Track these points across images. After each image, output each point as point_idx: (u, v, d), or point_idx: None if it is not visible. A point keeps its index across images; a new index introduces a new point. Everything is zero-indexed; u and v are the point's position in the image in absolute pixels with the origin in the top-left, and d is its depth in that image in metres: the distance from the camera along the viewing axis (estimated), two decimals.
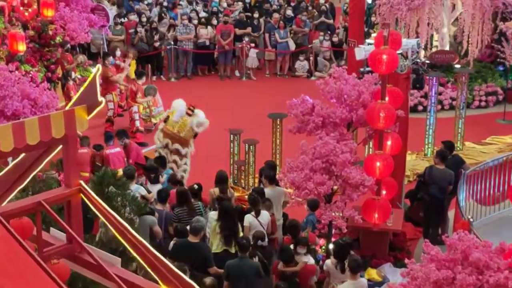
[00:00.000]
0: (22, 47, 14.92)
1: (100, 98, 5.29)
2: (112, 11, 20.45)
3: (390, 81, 10.12)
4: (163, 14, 21.21)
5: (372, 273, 9.54)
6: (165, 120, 12.26)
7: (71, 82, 15.50)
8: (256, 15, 20.93)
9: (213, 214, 9.90)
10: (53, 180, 10.15)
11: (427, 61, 17.69)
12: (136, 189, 10.26)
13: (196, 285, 4.82)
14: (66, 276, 4.82)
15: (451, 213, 11.29)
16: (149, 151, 13.57)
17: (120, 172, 10.64)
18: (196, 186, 10.66)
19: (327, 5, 21.77)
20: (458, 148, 14.47)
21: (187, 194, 10.30)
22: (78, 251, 5.05)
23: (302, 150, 9.63)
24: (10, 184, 5.26)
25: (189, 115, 12.06)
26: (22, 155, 5.20)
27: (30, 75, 14.47)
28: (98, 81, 5.33)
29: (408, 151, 12.83)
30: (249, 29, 20.51)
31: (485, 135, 15.80)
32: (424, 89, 16.74)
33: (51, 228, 5.41)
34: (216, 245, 9.67)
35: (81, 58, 17.29)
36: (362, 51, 10.40)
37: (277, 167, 12.36)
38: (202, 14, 21.41)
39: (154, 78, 19.60)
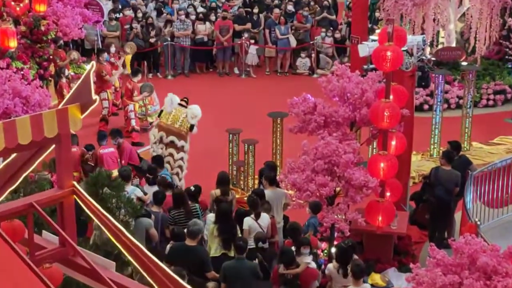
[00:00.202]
0: (13, 43, 14.92)
1: (94, 96, 5.30)
2: (107, 6, 20.43)
3: (395, 79, 10.12)
4: (162, 9, 21.21)
5: (376, 278, 9.54)
6: (159, 115, 12.34)
7: (64, 80, 15.49)
8: (256, 10, 20.92)
9: (211, 217, 9.91)
10: (45, 181, 10.17)
11: (433, 58, 17.66)
12: (132, 190, 10.27)
13: None
14: (58, 281, 4.82)
15: (457, 216, 11.29)
16: (145, 151, 13.57)
17: (115, 172, 10.67)
18: (193, 188, 10.67)
19: (329, 0, 21.77)
20: (465, 149, 14.47)
21: (184, 196, 10.30)
22: (71, 255, 5.06)
23: (303, 150, 9.62)
24: (1, 185, 5.27)
25: (183, 106, 12.10)
26: (14, 155, 5.21)
27: (22, 72, 14.49)
28: (92, 78, 5.34)
29: (413, 151, 12.83)
30: (248, 25, 20.50)
31: (493, 135, 15.80)
32: (430, 87, 16.76)
33: (43, 231, 5.41)
34: (214, 249, 9.67)
35: (75, 54, 17.27)
36: (365, 48, 10.40)
37: (278, 168, 12.36)
38: (200, 9, 21.39)
39: (150, 75, 19.59)
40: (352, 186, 9.36)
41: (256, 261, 9.07)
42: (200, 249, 9.24)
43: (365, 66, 11.26)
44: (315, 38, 20.51)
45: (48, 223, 5.02)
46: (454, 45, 18.10)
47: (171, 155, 12.06)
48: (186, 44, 19.98)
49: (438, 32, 18.16)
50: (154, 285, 4.96)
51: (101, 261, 5.09)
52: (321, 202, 9.67)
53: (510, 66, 18.50)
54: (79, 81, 5.33)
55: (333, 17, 21.38)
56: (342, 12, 22.70)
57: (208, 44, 20.33)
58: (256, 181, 12.35)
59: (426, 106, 16.78)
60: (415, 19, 17.36)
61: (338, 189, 9.64)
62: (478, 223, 9.73)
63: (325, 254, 10.02)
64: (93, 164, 12.13)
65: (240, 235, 9.69)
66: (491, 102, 17.80)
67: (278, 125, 13.18)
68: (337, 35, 20.38)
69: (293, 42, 20.52)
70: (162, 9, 21.27)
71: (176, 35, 19.90)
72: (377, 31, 12.79)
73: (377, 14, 20.41)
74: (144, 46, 19.58)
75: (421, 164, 14.12)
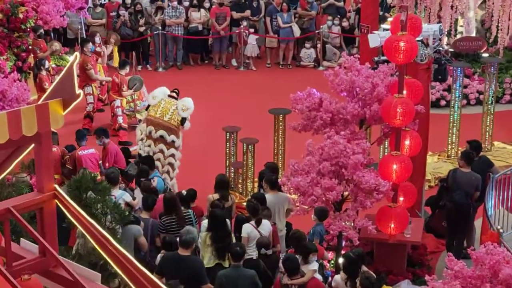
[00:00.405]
0: None
1: (77, 91, 5.30)
2: None
3: (409, 72, 10.13)
4: None
5: None
6: (147, 108, 12.38)
7: (44, 73, 15.50)
8: None
9: (206, 223, 9.91)
10: (24, 184, 10.18)
11: (451, 50, 17.72)
12: (120, 195, 10.27)
13: None
14: None
15: (477, 223, 11.30)
16: (135, 150, 13.56)
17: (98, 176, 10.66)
18: (185, 192, 10.67)
19: None
20: (486, 149, 14.49)
21: (176, 201, 10.29)
22: (53, 266, 5.06)
23: (308, 150, 9.64)
24: None
25: (173, 97, 12.12)
26: None
27: None
28: (75, 71, 5.34)
29: (429, 152, 12.84)
30: (247, 12, 20.50)
31: None
32: (447, 81, 16.76)
33: (22, 239, 5.42)
34: (207, 259, 9.67)
35: (56, 45, 17.28)
36: (376, 38, 10.44)
37: (279, 170, 12.38)
38: None
39: (139, 68, 19.61)
40: (361, 190, 9.37)
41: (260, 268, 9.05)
42: (194, 259, 9.23)
43: (376, 58, 11.33)
44: (321, 26, 20.50)
45: (27, 231, 5.02)
46: (474, 35, 18.12)
47: (161, 151, 12.06)
48: (178, 33, 19.98)
49: (457, 20, 18.17)
50: None
51: (85, 273, 5.10)
52: (327, 207, 9.68)
53: None
54: (61, 74, 5.34)
55: (341, 3, 21.36)
56: None
57: (203, 33, 20.32)
58: (256, 185, 12.37)
59: (443, 102, 16.80)
60: (431, 5, 17.35)
61: (346, 193, 9.64)
62: (501, 231, 9.74)
63: (332, 265, 10.03)
64: (70, 167, 12.09)
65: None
66: None
67: (280, 123, 13.19)
68: (345, 24, 20.38)
69: (297, 31, 20.52)
70: None
71: (167, 23, 19.90)
72: (389, 19, 12.86)
73: (389, 0, 20.41)
74: (132, 36, 19.58)
75: (438, 166, 14.13)
